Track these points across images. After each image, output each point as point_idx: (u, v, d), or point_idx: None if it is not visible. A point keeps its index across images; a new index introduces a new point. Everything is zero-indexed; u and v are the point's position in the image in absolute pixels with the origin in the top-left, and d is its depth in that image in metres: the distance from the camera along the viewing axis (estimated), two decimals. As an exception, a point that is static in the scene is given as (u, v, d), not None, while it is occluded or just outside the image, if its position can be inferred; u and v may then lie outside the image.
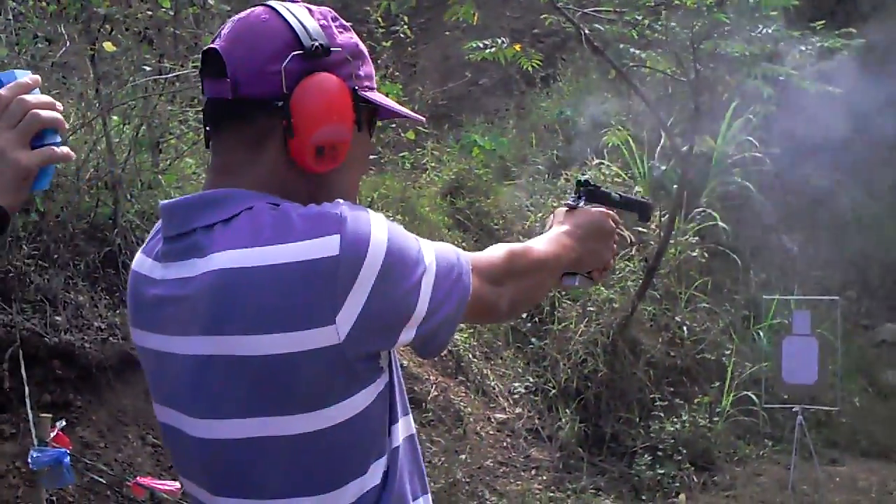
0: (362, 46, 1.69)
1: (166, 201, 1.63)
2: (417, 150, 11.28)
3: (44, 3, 6.44)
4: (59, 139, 1.54)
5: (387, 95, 5.79)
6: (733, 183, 10.21)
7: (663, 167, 9.91)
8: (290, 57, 1.54)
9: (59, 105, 1.57)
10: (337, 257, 1.43)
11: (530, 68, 8.31)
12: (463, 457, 7.04)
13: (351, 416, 1.51)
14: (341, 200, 1.52)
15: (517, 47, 8.02)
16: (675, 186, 8.77)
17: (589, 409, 7.95)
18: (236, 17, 1.64)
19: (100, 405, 5.56)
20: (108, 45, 6.24)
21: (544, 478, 7.26)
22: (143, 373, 1.73)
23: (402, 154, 10.96)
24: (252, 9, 1.63)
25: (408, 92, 10.34)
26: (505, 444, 7.64)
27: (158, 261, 1.62)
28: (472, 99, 14.22)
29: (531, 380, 8.27)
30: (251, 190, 1.55)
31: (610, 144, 9.27)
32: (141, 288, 1.66)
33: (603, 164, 10.07)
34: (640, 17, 7.69)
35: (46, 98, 1.54)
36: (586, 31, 7.63)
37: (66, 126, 1.60)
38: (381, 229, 1.49)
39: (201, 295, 1.49)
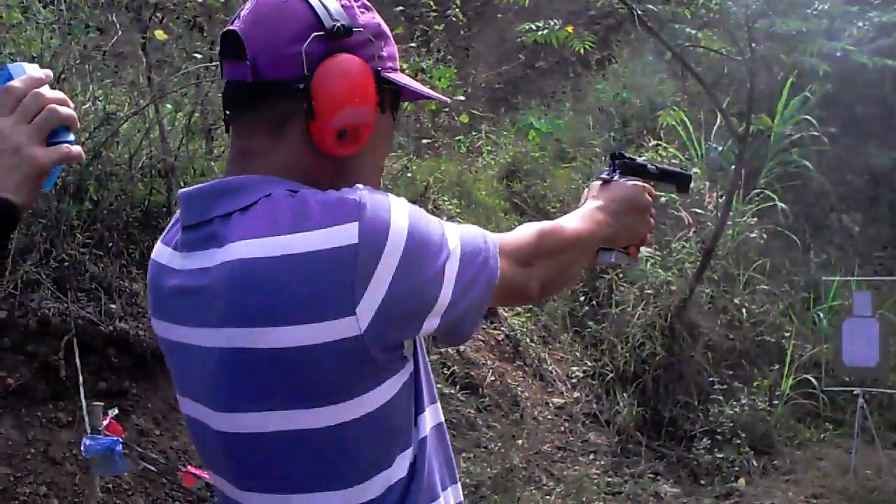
0: (385, 27, 1.65)
1: (185, 189, 1.61)
2: (473, 133, 11.29)
3: (94, -7, 6.51)
4: (72, 137, 1.50)
5: (440, 80, 5.74)
6: (792, 162, 10.10)
7: (720, 148, 9.82)
8: (311, 38, 1.51)
9: (70, 102, 1.53)
10: (355, 246, 1.40)
11: (582, 50, 8.26)
12: (520, 442, 7.04)
13: (375, 407, 1.48)
14: (361, 186, 1.48)
15: (569, 29, 7.97)
16: (732, 167, 8.67)
17: (647, 393, 7.91)
18: None
19: (155, 393, 5.61)
20: (159, 34, 6.29)
21: (602, 462, 7.25)
22: None
23: (457, 138, 10.96)
24: None
25: (462, 76, 10.31)
26: (562, 428, 7.64)
27: (178, 250, 1.60)
28: (529, 82, 14.17)
29: (589, 364, 8.25)
30: (272, 175, 1.53)
31: (664, 125, 9.16)
32: (161, 278, 1.64)
33: (660, 145, 10.00)
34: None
35: (61, 94, 1.50)
36: (639, 12, 7.55)
37: (79, 125, 1.54)
38: (401, 215, 1.45)
39: (219, 286, 1.46)
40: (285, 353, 1.41)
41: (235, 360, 1.46)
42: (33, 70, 1.50)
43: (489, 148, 11.14)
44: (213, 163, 6.65)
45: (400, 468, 1.55)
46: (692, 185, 2.23)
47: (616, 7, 8.40)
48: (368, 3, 1.65)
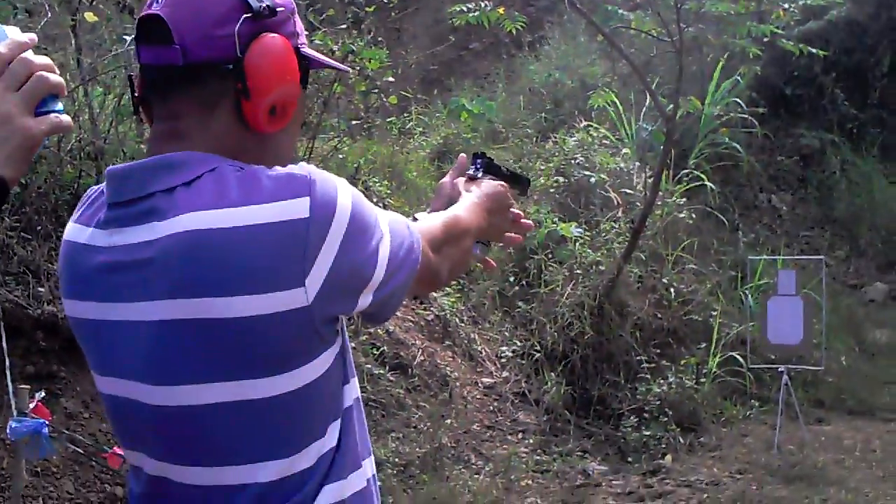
0: (294, 2, 1.69)
1: (115, 166, 1.60)
2: (405, 115, 11.27)
3: (23, -25, 6.39)
4: (60, 106, 1.45)
5: (370, 61, 5.72)
6: (722, 144, 10.19)
7: (650, 128, 9.88)
8: (241, 20, 1.54)
9: (56, 69, 1.47)
10: (307, 219, 1.44)
11: (514, 31, 8.26)
12: (449, 421, 7.06)
13: (313, 378, 1.52)
14: (306, 164, 1.52)
15: (501, 10, 7.96)
16: (661, 148, 8.72)
17: (576, 372, 7.94)
18: None
19: (84, 376, 5.52)
20: (89, 16, 6.21)
21: (531, 441, 7.28)
22: None
23: (389, 119, 10.93)
24: None
25: (393, 57, 10.27)
26: (491, 408, 7.66)
27: (101, 228, 1.59)
28: (462, 63, 14.19)
29: (518, 343, 8.27)
30: (205, 152, 1.54)
31: (595, 106, 9.20)
32: (80, 258, 1.63)
33: (591, 126, 10.04)
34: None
35: (48, 59, 1.44)
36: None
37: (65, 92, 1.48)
38: (345, 194, 1.50)
39: (165, 258, 1.47)
40: (235, 322, 1.44)
41: (179, 332, 1.48)
42: (15, 34, 1.44)
43: (421, 129, 11.12)
44: (142, 146, 6.57)
45: (331, 438, 1.59)
46: (530, 188, 2.34)
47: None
48: None
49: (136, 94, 1.65)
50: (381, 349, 7.35)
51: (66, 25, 6.54)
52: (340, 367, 1.61)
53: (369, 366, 7.11)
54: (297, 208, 1.44)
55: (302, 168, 1.51)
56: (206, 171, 1.50)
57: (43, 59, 1.43)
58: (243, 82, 1.54)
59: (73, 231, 1.67)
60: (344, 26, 7.30)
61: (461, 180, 2.07)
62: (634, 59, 8.68)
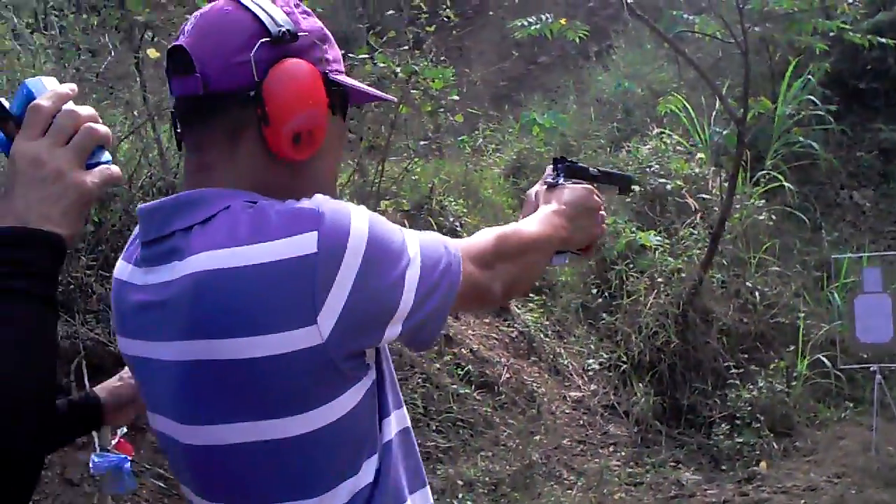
0: (327, 31, 1.66)
1: (144, 205, 1.60)
2: (475, 132, 11.29)
3: (85, 16, 6.51)
4: (108, 157, 1.44)
5: (434, 81, 5.68)
6: (797, 143, 10.05)
7: (723, 132, 9.78)
8: (258, 45, 1.52)
9: (100, 118, 1.46)
10: (315, 255, 1.40)
11: (577, 40, 8.23)
12: (538, 437, 7.04)
13: (339, 416, 1.49)
14: (320, 195, 1.49)
15: (563, 21, 7.94)
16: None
17: (664, 382, 7.89)
18: (199, 12, 1.61)
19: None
20: (151, 52, 6.30)
21: (622, 454, 7.23)
22: None
23: (460, 138, 10.96)
24: (213, 3, 1.60)
25: (458, 74, 10.32)
26: (581, 422, 7.62)
27: (138, 266, 1.60)
28: (532, 77, 14.22)
29: (605, 356, 8.23)
30: (231, 187, 1.53)
31: (663, 112, 9.14)
32: (123, 295, 1.64)
33: (664, 133, 9.97)
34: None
35: (91, 110, 1.43)
36: (629, 1, 7.52)
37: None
38: (361, 222, 1.46)
39: (181, 298, 1.45)
40: (247, 363, 1.41)
41: (198, 373, 1.46)
42: (54, 85, 1.43)
43: (494, 146, 11.14)
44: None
45: (366, 475, 1.56)
46: (634, 186, 2.28)
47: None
48: (309, 10, 1.66)
49: (177, 129, 1.63)
50: (466, 368, 7.36)
51: (130, 63, 6.65)
52: (373, 402, 1.57)
53: (455, 386, 7.12)
54: (305, 244, 1.41)
55: (313, 201, 1.47)
56: (222, 208, 1.48)
57: (88, 110, 1.42)
58: (262, 107, 1.52)
59: (119, 268, 1.68)
60: (406, 47, 7.32)
61: (541, 190, 2.04)
62: (702, 62, 8.60)
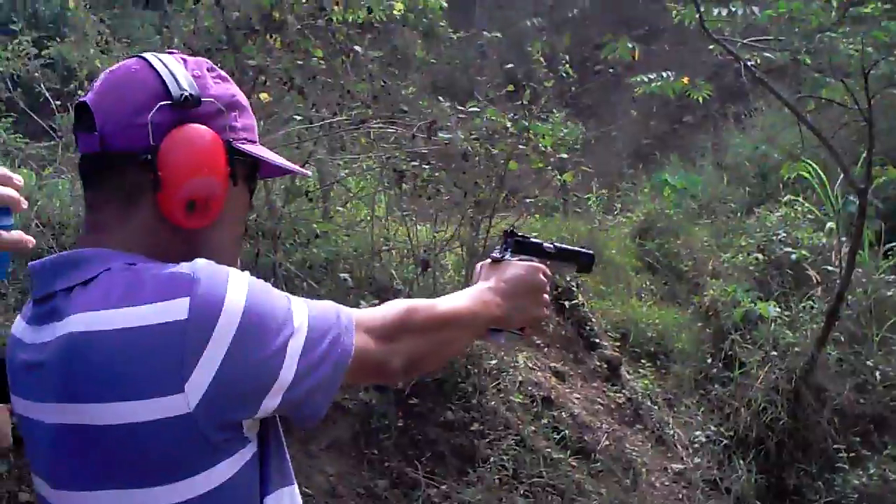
0: (241, 98, 1.63)
1: (34, 262, 1.58)
2: (603, 191, 11.19)
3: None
4: (11, 221, 1.42)
5: (543, 137, 5.55)
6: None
7: (857, 201, 9.41)
8: (157, 107, 1.49)
9: (17, 179, 1.44)
10: (185, 322, 1.37)
11: (700, 100, 8.06)
12: (629, 509, 6.86)
13: (210, 488, 1.44)
14: (202, 260, 1.45)
15: (685, 80, 7.78)
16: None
17: (770, 460, 7.58)
18: (109, 69, 1.59)
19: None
20: (263, 96, 6.40)
21: (719, 532, 6.99)
22: None
23: (587, 196, 10.86)
24: (125, 60, 1.58)
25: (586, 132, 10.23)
26: (680, 495, 7.38)
27: (29, 324, 1.58)
28: (677, 137, 14.03)
29: (712, 428, 7.98)
30: (122, 249, 1.50)
31: (792, 177, 8.85)
32: (15, 352, 1.61)
33: (796, 200, 9.68)
34: (805, 42, 7.25)
35: (4, 170, 1.41)
36: (748, 62, 7.32)
37: (24, 206, 1.45)
38: (238, 291, 1.42)
39: (53, 361, 1.44)
40: (115, 430, 1.38)
41: (68, 437, 1.44)
42: None
43: (620, 205, 11.01)
44: (314, 225, 6.71)
45: None
46: (594, 263, 2.15)
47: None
48: (225, 75, 1.63)
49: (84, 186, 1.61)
50: (563, 433, 7.22)
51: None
52: (253, 477, 1.51)
53: (549, 450, 6.99)
54: (175, 310, 1.37)
55: (191, 265, 1.43)
56: (104, 269, 1.45)
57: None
58: (155, 172, 1.48)
59: (15, 324, 1.66)
60: (521, 103, 7.28)
61: (485, 264, 1.98)
62: (831, 128, 8.28)
